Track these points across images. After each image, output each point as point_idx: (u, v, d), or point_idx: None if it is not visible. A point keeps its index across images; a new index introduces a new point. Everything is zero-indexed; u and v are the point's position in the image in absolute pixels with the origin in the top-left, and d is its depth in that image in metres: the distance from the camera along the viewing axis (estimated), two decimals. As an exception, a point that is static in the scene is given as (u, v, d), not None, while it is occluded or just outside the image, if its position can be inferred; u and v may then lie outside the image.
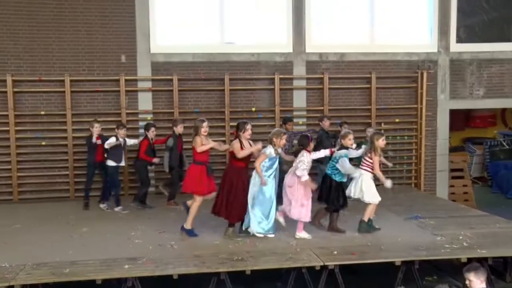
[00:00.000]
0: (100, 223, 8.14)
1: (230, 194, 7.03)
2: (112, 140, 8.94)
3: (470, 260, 5.90)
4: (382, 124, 11.70)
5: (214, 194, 7.25)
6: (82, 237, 7.29)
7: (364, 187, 7.22)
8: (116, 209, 9.09)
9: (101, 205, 9.25)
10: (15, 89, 10.44)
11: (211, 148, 7.34)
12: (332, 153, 7.37)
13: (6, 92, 10.34)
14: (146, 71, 10.97)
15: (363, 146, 7.57)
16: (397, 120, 11.74)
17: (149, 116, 10.92)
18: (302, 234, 7.07)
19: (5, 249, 6.68)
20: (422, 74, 11.56)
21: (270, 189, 7.07)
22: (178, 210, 8.44)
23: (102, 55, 10.81)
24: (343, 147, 7.27)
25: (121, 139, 9.11)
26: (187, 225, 7.21)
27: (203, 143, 7.10)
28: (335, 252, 6.35)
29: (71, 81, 10.57)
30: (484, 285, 4.82)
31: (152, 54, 10.99)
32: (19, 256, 6.28)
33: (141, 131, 10.83)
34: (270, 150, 7.04)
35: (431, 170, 11.96)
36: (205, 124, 7.15)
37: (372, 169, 7.20)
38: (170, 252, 6.50)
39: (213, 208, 7.21)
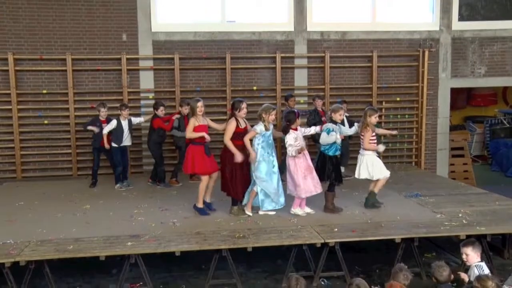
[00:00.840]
0: (103, 201, 8.16)
1: (231, 172, 7.00)
2: (109, 127, 9.02)
3: (469, 237, 5.91)
4: (383, 102, 11.64)
5: (216, 173, 7.24)
6: (86, 215, 7.32)
7: (369, 166, 7.21)
8: (116, 186, 9.19)
9: (116, 186, 9.26)
10: (17, 68, 10.37)
11: (210, 127, 7.29)
12: (321, 129, 7.28)
13: (8, 70, 10.28)
14: (147, 49, 10.87)
15: (356, 124, 7.54)
16: (398, 99, 11.67)
17: (151, 95, 10.86)
18: (296, 210, 7.11)
19: (10, 226, 6.71)
20: (423, 52, 11.43)
21: (270, 166, 7.04)
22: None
23: (103, 34, 10.70)
24: (332, 121, 7.20)
25: (124, 120, 9.12)
26: (198, 204, 7.20)
27: (199, 123, 7.06)
28: (336, 230, 6.37)
29: (72, 59, 10.48)
30: (480, 259, 4.86)
31: (154, 32, 10.87)
32: (23, 233, 6.31)
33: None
34: (260, 126, 6.99)
35: (431, 148, 11.93)
36: (200, 103, 7.07)
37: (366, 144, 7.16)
38: (172, 229, 6.52)
39: (221, 186, 7.20)
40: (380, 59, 11.44)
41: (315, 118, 9.45)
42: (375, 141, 7.30)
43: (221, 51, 11.05)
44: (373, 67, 11.40)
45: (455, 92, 12.22)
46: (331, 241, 6.02)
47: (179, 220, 6.93)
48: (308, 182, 6.98)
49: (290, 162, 7.01)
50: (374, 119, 7.19)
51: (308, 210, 7.17)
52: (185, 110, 9.20)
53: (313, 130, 7.44)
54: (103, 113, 9.28)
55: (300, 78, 11.43)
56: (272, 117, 7.02)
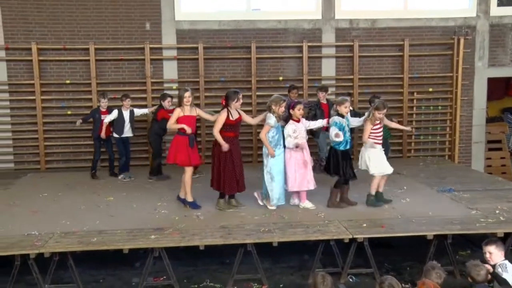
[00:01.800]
0: (126, 193, 8.27)
1: (220, 165, 7.01)
2: (110, 117, 9.22)
3: (507, 235, 5.78)
4: (415, 93, 11.48)
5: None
6: (109, 207, 7.43)
7: (368, 159, 7.09)
8: (119, 177, 9.36)
9: (119, 177, 9.44)
10: (40, 58, 10.56)
11: (201, 118, 7.38)
12: (328, 122, 7.23)
13: (31, 60, 10.48)
14: (171, 39, 10.93)
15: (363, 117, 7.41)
16: (430, 90, 11.46)
17: (175, 85, 10.92)
18: (305, 203, 7.14)
19: (34, 217, 6.86)
20: (458, 40, 11.18)
21: (282, 160, 7.10)
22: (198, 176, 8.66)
23: (126, 23, 10.80)
24: (338, 115, 7.10)
25: (125, 111, 9.29)
26: (188, 198, 7.24)
27: (184, 114, 7.03)
28: (364, 225, 6.31)
29: (95, 49, 10.62)
30: (503, 258, 4.75)
31: (177, 21, 10.92)
32: (47, 224, 6.45)
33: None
34: (272, 119, 6.97)
35: (466, 141, 11.71)
36: (187, 93, 7.03)
37: (375, 139, 7.04)
38: (196, 223, 6.57)
39: (211, 181, 7.26)
40: (411, 48, 11.24)
41: (315, 111, 9.31)
42: (379, 134, 7.14)
43: (246, 40, 11.02)
44: (404, 56, 11.21)
45: (492, 82, 11.89)
46: (359, 236, 5.97)
47: (203, 213, 6.97)
48: (299, 177, 7.01)
49: (286, 153, 7.08)
50: (377, 114, 7.00)
51: (308, 204, 7.18)
52: (168, 103, 9.22)
53: (319, 123, 7.40)
54: (103, 103, 9.42)
55: (328, 68, 11.33)
56: (282, 108, 7.02)
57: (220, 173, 7.03)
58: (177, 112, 7.06)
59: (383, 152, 7.22)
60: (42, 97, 10.61)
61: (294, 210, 7.02)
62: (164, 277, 6.03)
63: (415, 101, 11.52)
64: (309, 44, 11.08)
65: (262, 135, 7.00)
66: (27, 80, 10.61)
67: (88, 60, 10.64)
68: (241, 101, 7.09)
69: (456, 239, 6.37)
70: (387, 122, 7.35)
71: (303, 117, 7.27)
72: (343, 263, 6.14)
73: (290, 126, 7.04)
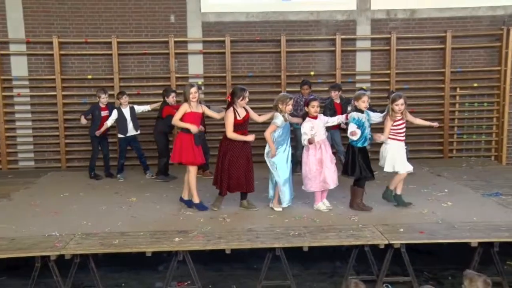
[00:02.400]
0: (150, 193, 8.36)
1: (222, 162, 7.08)
2: (112, 119, 9.38)
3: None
4: (458, 89, 11.29)
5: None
6: (131, 208, 7.53)
7: (386, 156, 7.05)
8: (118, 176, 9.55)
9: (118, 176, 9.60)
10: (62, 52, 10.78)
11: (207, 116, 7.43)
12: (347, 118, 7.17)
13: (52, 55, 10.71)
14: (196, 32, 11.02)
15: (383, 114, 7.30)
16: (475, 85, 11.25)
17: (200, 81, 11.00)
18: (318, 205, 7.16)
19: (55, 218, 7.01)
20: (508, 31, 10.95)
21: (288, 160, 7.17)
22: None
23: (150, 15, 10.95)
24: (357, 110, 7.02)
25: (125, 108, 9.39)
26: (194, 199, 7.27)
27: (191, 111, 7.05)
28: (401, 230, 6.23)
29: (118, 43, 10.78)
30: None
31: (203, 13, 11.00)
32: (68, 225, 6.58)
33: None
34: (280, 119, 7.00)
35: (515, 141, 11.46)
36: (193, 89, 7.04)
37: (396, 135, 6.97)
38: (222, 225, 6.60)
39: (213, 179, 7.35)
40: (455, 40, 11.06)
41: (327, 110, 9.19)
42: (402, 131, 7.03)
43: (275, 33, 11.03)
44: (447, 49, 11.04)
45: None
46: (396, 242, 5.90)
47: (230, 216, 6.99)
48: (317, 176, 7.02)
49: (303, 151, 7.12)
50: (395, 106, 6.92)
51: (327, 204, 7.20)
52: (172, 99, 9.24)
53: (336, 119, 7.36)
54: (103, 99, 9.48)
55: (363, 62, 11.25)
56: (289, 107, 7.03)
57: (219, 170, 7.12)
58: (184, 108, 7.07)
59: (405, 149, 7.14)
60: (63, 93, 10.84)
61: (326, 213, 6.99)
62: (189, 282, 6.08)
63: (458, 97, 11.32)
64: (343, 36, 11.01)
65: (267, 134, 7.02)
66: (48, 75, 10.85)
67: (111, 54, 10.82)
68: (247, 99, 7.09)
69: (503, 247, 6.22)
70: (410, 118, 7.22)
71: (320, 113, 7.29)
72: (378, 271, 6.09)
73: (307, 124, 7.02)
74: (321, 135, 7.05)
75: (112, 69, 10.87)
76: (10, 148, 11.07)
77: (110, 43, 10.79)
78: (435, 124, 7.72)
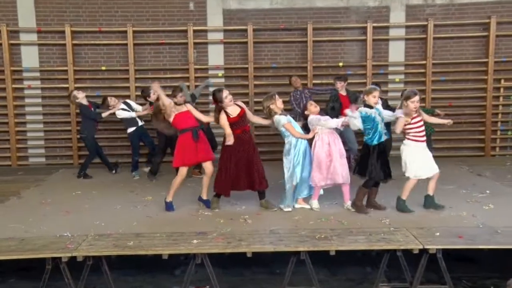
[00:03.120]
0: (166, 192, 8.40)
1: (221, 161, 7.24)
2: (129, 113, 9.57)
3: None
4: (502, 80, 11.14)
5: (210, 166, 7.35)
6: (147, 207, 7.60)
7: (406, 160, 6.98)
8: (134, 172, 9.71)
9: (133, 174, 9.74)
10: (74, 42, 10.93)
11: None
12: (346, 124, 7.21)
13: (65, 44, 10.87)
14: (217, 20, 11.05)
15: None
16: (521, 76, 11.08)
17: (220, 72, 11.05)
18: (313, 203, 7.28)
19: (67, 217, 7.12)
20: (561, 15, 10.74)
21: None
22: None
23: (167, 3, 11.04)
24: (366, 105, 6.96)
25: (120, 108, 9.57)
26: (168, 197, 7.41)
27: (179, 111, 7.23)
28: (438, 234, 6.17)
29: (134, 32, 10.88)
30: None
31: (224, 0, 11.01)
32: (80, 225, 6.67)
33: (211, 89, 11.01)
34: (283, 119, 7.09)
35: None
36: (179, 94, 7.32)
37: (416, 136, 6.89)
38: (243, 227, 6.62)
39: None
40: (500, 27, 10.93)
41: (333, 103, 9.20)
42: (420, 130, 6.92)
43: (301, 20, 11.00)
44: (490, 36, 10.89)
45: None
46: (431, 247, 5.84)
47: (251, 217, 7.01)
48: (324, 170, 7.11)
49: (313, 147, 7.27)
50: (411, 104, 6.84)
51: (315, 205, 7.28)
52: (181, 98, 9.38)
53: (333, 123, 7.26)
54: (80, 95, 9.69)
55: (396, 52, 11.17)
56: (279, 101, 7.14)
57: (223, 171, 7.24)
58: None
59: (427, 150, 7.05)
60: (76, 85, 10.98)
61: (355, 215, 6.95)
62: (207, 286, 6.10)
63: (502, 89, 11.16)
64: (375, 24, 10.93)
65: (297, 135, 7.11)
66: (60, 66, 11.02)
67: (126, 44, 10.92)
68: (230, 96, 7.15)
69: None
70: (425, 117, 7.13)
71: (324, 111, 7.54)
72: (412, 278, 6.03)
73: (312, 120, 7.23)
74: (323, 129, 7.18)
75: (127, 60, 10.98)
76: (20, 143, 11.28)
77: (125, 32, 10.89)
78: (448, 120, 7.54)
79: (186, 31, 10.92)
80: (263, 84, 11.01)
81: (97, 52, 11.12)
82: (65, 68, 10.96)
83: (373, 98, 6.94)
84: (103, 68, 11.07)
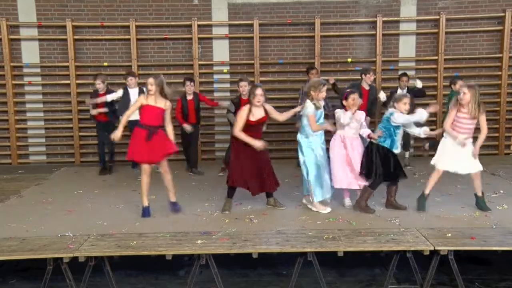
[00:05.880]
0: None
1: (231, 158, 7.21)
2: (112, 96, 9.45)
3: None
4: (517, 77, 11.07)
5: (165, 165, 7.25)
6: (150, 207, 7.61)
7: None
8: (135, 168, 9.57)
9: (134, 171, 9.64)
10: (76, 37, 10.97)
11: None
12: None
13: (66, 40, 10.91)
14: (222, 14, 11.07)
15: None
16: (538, 72, 11.04)
17: (226, 68, 11.06)
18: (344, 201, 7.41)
19: (68, 217, 7.16)
20: None
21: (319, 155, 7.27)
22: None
23: (171, -4, 11.05)
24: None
25: (133, 89, 9.47)
26: (143, 201, 7.19)
27: (148, 104, 7.01)
28: (449, 235, 6.16)
29: (136, 27, 10.91)
30: None
31: (229, -6, 11.05)
32: (82, 225, 6.71)
33: (216, 86, 11.06)
34: (311, 107, 6.99)
35: None
36: (150, 80, 7.01)
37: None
38: (249, 227, 6.63)
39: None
40: (515, 21, 10.86)
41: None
42: (460, 124, 6.92)
43: (309, 15, 11.01)
44: (505, 31, 10.87)
45: None
46: (443, 248, 5.84)
47: (257, 216, 7.03)
48: (340, 173, 7.14)
49: (330, 147, 7.33)
50: (403, 105, 6.92)
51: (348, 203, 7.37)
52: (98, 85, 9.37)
53: (364, 132, 7.24)
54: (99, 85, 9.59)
55: (406, 48, 11.16)
56: (323, 94, 7.03)
57: (232, 166, 7.21)
58: (140, 101, 7.07)
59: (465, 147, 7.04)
60: (78, 81, 11.04)
61: (363, 215, 6.96)
62: (212, 288, 6.15)
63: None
64: (385, 18, 10.91)
65: (315, 128, 7.03)
66: (61, 62, 11.07)
67: (129, 39, 10.96)
68: (262, 98, 6.96)
69: None
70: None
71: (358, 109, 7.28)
72: (422, 280, 6.04)
73: (342, 113, 7.14)
74: (350, 131, 7.14)
75: (130, 56, 11.02)
76: (20, 141, 11.34)
77: (128, 27, 10.93)
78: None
79: (190, 25, 10.94)
80: (270, 81, 11.02)
81: (99, 48, 11.17)
82: (66, 64, 11.01)
83: (404, 105, 6.99)
84: (105, 64, 11.11)
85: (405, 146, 9.72)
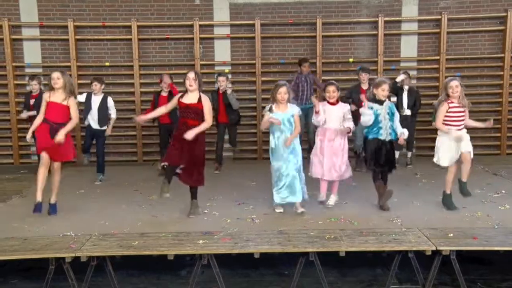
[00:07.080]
0: (172, 191, 8.42)
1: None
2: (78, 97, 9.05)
3: None
4: (520, 76, 11.07)
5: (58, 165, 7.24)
6: (152, 207, 7.64)
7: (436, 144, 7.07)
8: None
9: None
10: (77, 37, 10.99)
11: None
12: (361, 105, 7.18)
13: (68, 40, 10.93)
14: (223, 14, 11.08)
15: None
16: (539, 72, 11.03)
17: (227, 68, 11.06)
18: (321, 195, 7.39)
19: (70, 217, 7.16)
20: None
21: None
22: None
23: (173, -4, 11.06)
24: (375, 99, 6.98)
25: (96, 96, 9.16)
26: (37, 196, 7.04)
27: (51, 100, 7.04)
28: (451, 235, 6.16)
29: (138, 27, 10.92)
30: None
31: (231, -6, 11.06)
32: (84, 225, 6.71)
33: (217, 86, 11.04)
34: (298, 109, 7.01)
35: None
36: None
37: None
38: (251, 227, 6.64)
39: None
40: (518, 20, 10.85)
41: (356, 93, 9.20)
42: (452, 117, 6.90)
43: (310, 15, 11.02)
44: (507, 30, 10.88)
45: None
46: (445, 248, 5.83)
47: (259, 216, 7.03)
48: (317, 164, 7.19)
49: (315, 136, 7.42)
50: (381, 91, 6.91)
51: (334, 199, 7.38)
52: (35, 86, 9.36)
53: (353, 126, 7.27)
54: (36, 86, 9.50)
55: (408, 47, 11.17)
56: (281, 95, 6.90)
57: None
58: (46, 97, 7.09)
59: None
60: (79, 81, 11.05)
61: (364, 215, 6.96)
62: (214, 289, 6.15)
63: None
64: (386, 18, 10.92)
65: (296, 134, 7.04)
66: (63, 62, 11.08)
67: (130, 39, 10.97)
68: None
69: None
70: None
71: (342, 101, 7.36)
72: (424, 280, 6.03)
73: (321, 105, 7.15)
74: (332, 124, 7.08)
75: (131, 56, 11.03)
76: (22, 141, 11.33)
77: (129, 27, 10.94)
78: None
79: (192, 25, 10.95)
80: (271, 81, 11.00)
81: (100, 48, 11.18)
82: (68, 63, 11.01)
83: (382, 92, 6.94)
84: (107, 64, 11.12)
85: (408, 146, 9.72)
